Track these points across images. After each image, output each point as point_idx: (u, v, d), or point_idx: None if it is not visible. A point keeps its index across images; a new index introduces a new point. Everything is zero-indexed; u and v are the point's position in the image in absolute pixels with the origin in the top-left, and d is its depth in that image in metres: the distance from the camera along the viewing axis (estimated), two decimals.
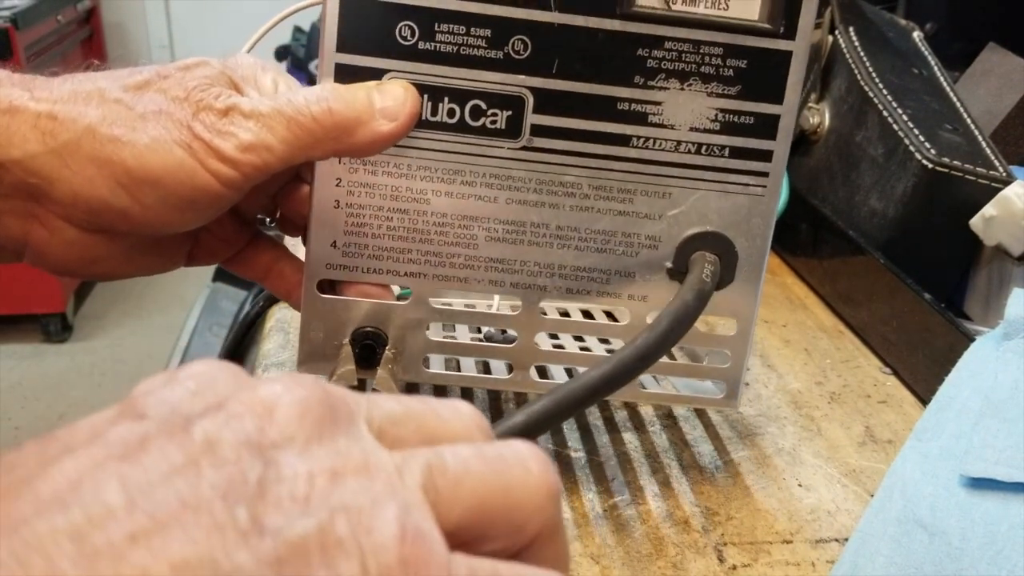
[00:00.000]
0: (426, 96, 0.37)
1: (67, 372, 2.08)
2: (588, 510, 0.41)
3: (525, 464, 0.19)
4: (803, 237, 0.65)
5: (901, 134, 0.58)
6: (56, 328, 2.17)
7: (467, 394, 0.48)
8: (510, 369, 0.41)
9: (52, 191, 0.34)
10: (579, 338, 0.48)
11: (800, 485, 0.43)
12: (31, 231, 0.35)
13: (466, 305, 0.49)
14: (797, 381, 0.52)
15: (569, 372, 0.46)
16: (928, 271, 0.54)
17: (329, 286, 0.40)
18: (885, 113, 0.59)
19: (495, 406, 0.48)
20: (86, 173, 0.33)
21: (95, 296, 2.40)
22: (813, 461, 0.45)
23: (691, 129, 0.37)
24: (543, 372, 0.46)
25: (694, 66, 0.37)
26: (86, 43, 2.42)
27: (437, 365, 0.46)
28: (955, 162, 0.55)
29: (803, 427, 0.48)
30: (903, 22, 0.72)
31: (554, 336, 0.48)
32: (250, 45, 0.45)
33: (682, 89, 0.37)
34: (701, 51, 0.36)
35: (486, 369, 0.46)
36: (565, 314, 0.44)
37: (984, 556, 0.35)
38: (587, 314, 0.50)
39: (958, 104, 0.62)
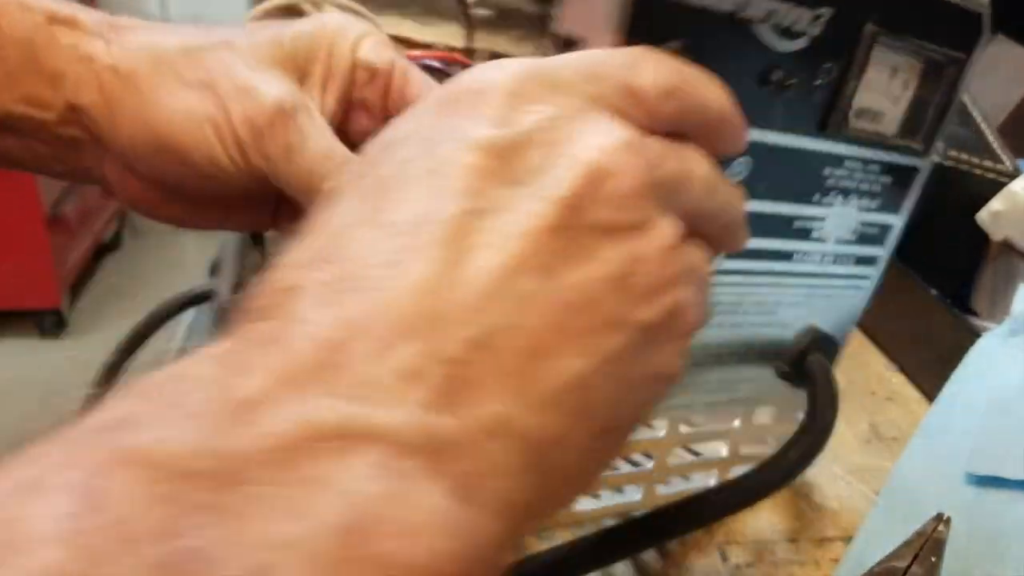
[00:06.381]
0: None
1: (62, 368, 2.07)
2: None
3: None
4: None
5: None
6: (51, 324, 2.17)
7: None
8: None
9: (106, 141, 0.34)
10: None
11: (805, 483, 0.43)
12: (105, 171, 0.36)
13: None
14: None
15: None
16: (935, 266, 0.54)
17: None
18: None
19: None
20: (128, 130, 0.33)
21: (90, 292, 2.39)
22: (818, 459, 0.45)
23: (836, 242, 0.38)
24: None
25: (855, 183, 0.37)
26: None
27: None
28: (962, 156, 0.54)
29: None
30: None
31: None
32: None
33: (843, 205, 0.38)
34: (867, 169, 0.37)
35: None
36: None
37: (990, 554, 0.35)
38: None
39: (965, 97, 0.62)
